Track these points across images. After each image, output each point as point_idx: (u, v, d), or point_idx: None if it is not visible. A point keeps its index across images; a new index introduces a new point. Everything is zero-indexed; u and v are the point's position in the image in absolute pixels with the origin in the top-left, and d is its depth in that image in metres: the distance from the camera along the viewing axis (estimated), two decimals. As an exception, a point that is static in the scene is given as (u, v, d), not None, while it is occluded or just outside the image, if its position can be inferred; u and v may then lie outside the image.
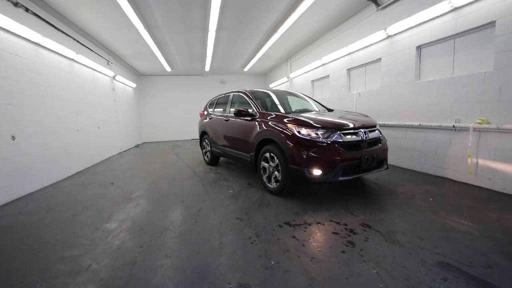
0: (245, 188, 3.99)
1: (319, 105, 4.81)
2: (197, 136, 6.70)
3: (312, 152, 3.03)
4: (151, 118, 12.63)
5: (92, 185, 4.51)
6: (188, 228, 2.62)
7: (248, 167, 5.43)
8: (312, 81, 8.53)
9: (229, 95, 5.23)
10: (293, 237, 2.37)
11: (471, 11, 3.53)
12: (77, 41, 5.93)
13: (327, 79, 7.57)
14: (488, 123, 3.41)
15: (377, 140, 3.50)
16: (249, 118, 4.12)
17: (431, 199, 3.20)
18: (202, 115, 6.49)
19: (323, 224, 2.61)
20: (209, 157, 5.88)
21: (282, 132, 3.32)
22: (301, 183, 3.27)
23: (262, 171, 3.78)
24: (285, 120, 3.43)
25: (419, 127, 4.48)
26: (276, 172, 3.48)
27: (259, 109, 4.04)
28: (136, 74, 11.87)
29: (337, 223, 2.63)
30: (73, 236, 2.55)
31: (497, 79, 3.28)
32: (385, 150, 3.54)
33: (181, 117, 12.96)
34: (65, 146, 5.25)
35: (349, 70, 6.51)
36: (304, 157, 3.04)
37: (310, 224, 2.62)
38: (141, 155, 8.18)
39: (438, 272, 1.79)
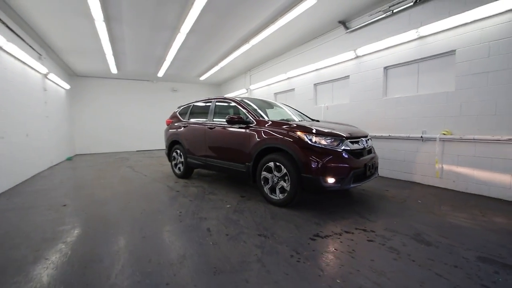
0: (242, 201, 3.66)
1: (303, 115, 4.90)
2: (145, 148, 5.93)
3: (326, 160, 2.99)
4: (86, 126, 10.75)
5: (37, 209, 3.41)
6: (211, 255, 2.18)
7: (236, 178, 5.14)
8: (276, 93, 8.75)
9: (210, 102, 4.85)
10: (335, 249, 2.22)
11: (435, 40, 4.22)
12: (5, 24, 4.62)
13: (292, 92, 7.88)
14: (451, 134, 4.05)
15: (371, 149, 3.73)
16: (243, 126, 3.87)
17: (419, 201, 3.54)
18: (169, 123, 5.83)
19: (352, 233, 2.55)
20: (181, 169, 5.25)
21: (292, 140, 3.20)
22: (314, 193, 3.18)
23: (263, 182, 3.55)
24: (293, 127, 3.32)
25: (389, 138, 5.02)
26: (282, 183, 3.30)
27: (255, 117, 3.83)
28: (70, 74, 10.03)
29: (364, 230, 2.61)
30: None
31: (458, 98, 3.96)
32: (377, 158, 3.79)
33: (125, 127, 11.46)
34: (-15, 159, 3.89)
35: (316, 85, 6.93)
36: (319, 165, 2.98)
37: (340, 234, 2.53)
38: (82, 169, 6.76)
39: (486, 267, 1.92)
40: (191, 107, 5.37)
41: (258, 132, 3.63)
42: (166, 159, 8.43)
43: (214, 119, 4.58)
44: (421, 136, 4.43)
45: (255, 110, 4.08)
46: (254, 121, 3.78)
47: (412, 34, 4.42)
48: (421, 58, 4.46)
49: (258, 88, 9.72)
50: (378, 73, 5.18)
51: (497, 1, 3.40)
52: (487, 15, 3.55)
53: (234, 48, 7.25)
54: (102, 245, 2.36)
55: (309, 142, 3.10)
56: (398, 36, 4.65)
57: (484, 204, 3.36)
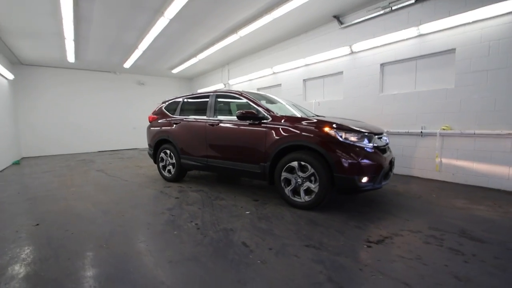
0: (259, 206, 3.29)
1: (307, 111, 4.68)
2: (108, 148, 5.24)
3: (361, 158, 2.81)
4: (36, 124, 9.10)
5: (1, 234, 2.59)
6: (271, 278, 1.80)
7: (233, 178, 4.70)
8: (259, 88, 8.43)
9: (207, 96, 4.32)
10: (401, 256, 2.03)
11: (434, 38, 4.34)
12: None
13: (279, 87, 7.66)
14: (451, 129, 4.22)
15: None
16: (254, 123, 3.49)
17: (434, 196, 3.60)
18: (153, 119, 5.13)
19: (402, 235, 2.40)
20: (172, 172, 4.63)
21: (321, 137, 2.94)
22: (346, 193, 2.97)
23: (283, 184, 3.23)
24: (319, 123, 3.06)
25: (387, 133, 5.08)
26: (308, 184, 3.03)
27: (270, 112, 3.48)
28: (13, 62, 8.32)
29: (411, 231, 2.48)
30: None
31: (458, 95, 4.13)
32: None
33: (82, 125, 10.02)
34: None
35: (305, 80, 6.80)
36: (354, 163, 2.77)
37: (391, 238, 2.35)
38: (39, 175, 5.59)
39: (554, 263, 1.90)
40: (181, 102, 4.76)
41: (276, 129, 3.29)
42: (140, 160, 7.58)
43: (216, 115, 4.09)
44: (421, 132, 4.56)
45: (267, 104, 3.72)
46: (269, 116, 3.43)
47: (412, 31, 4.50)
48: (420, 56, 4.57)
49: (239, 83, 9.29)
50: (375, 70, 5.22)
51: (498, 3, 3.58)
52: (488, 16, 3.73)
53: (220, 38, 6.72)
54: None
55: (340, 139, 2.88)
56: (396, 33, 4.70)
57: (492, 195, 3.54)
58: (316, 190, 2.97)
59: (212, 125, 3.97)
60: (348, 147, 2.84)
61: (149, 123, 5.25)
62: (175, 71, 10.36)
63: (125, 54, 7.98)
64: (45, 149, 9.30)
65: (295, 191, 3.16)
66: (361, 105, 5.48)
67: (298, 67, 6.84)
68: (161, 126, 4.83)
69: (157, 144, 4.90)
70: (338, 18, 5.62)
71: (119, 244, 2.32)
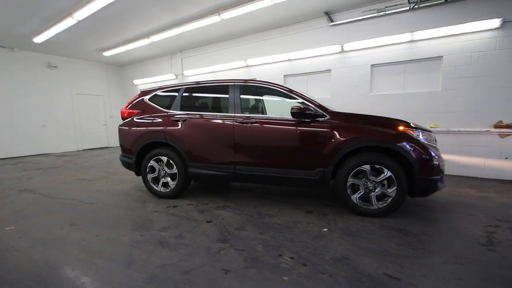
0: (323, 219, 2.79)
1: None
2: (7, 155, 3.90)
3: (438, 158, 2.73)
4: None
5: None
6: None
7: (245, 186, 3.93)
8: (226, 83, 7.60)
9: (226, 87, 3.40)
10: (536, 257, 2.01)
11: (423, 45, 4.82)
12: None
13: (252, 82, 7.08)
14: (438, 127, 4.81)
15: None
16: (307, 121, 2.96)
17: (447, 187, 3.97)
18: (130, 115, 3.75)
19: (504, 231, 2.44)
20: (172, 185, 3.47)
21: (403, 137, 2.70)
22: (421, 196, 2.82)
23: (349, 191, 2.84)
24: (392, 122, 2.81)
25: (376, 131, 5.40)
26: (381, 189, 2.75)
27: (325, 109, 3.01)
28: None
29: (497, 226, 2.56)
30: None
31: (443, 97, 4.72)
32: None
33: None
34: None
35: (286, 76, 6.52)
36: (435, 164, 2.67)
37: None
38: None
39: None
40: (180, 93, 3.61)
41: (340, 128, 2.86)
42: (77, 170, 5.57)
43: (243, 111, 3.26)
44: (411, 129, 5.02)
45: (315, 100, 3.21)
46: (327, 114, 2.96)
47: (404, 37, 4.86)
48: (409, 60, 5.01)
49: (199, 75, 8.15)
50: (365, 70, 5.43)
51: (480, 21, 4.24)
52: (471, 31, 4.37)
53: (196, 18, 5.61)
54: None
55: (418, 139, 2.73)
56: (389, 37, 5.00)
57: (481, 183, 4.19)
58: (392, 195, 2.72)
59: (245, 123, 3.15)
60: (427, 148, 2.71)
61: (123, 120, 3.81)
62: (108, 53, 8.17)
63: (45, 22, 5.65)
64: None
65: (365, 198, 2.83)
66: (350, 104, 5.63)
67: (279, 62, 6.48)
68: (150, 125, 3.55)
69: (143, 150, 3.59)
70: (328, 14, 5.57)
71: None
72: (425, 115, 4.91)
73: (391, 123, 2.81)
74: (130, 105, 3.83)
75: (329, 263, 1.95)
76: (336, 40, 5.61)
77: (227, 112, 3.29)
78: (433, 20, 4.66)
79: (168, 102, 3.64)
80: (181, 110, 3.52)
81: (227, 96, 3.36)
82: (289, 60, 6.34)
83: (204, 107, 3.64)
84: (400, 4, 4.82)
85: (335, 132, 2.86)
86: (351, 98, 5.61)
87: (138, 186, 4.26)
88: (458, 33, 4.48)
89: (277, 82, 3.39)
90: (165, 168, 3.50)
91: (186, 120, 3.39)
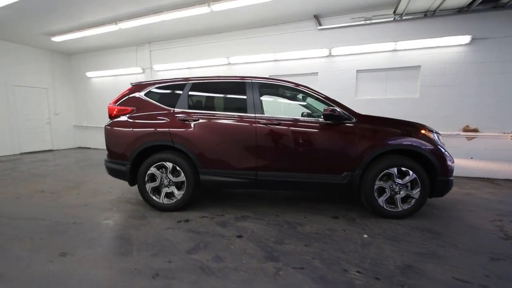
0: (354, 224, 2.74)
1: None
2: None
3: (452, 159, 2.93)
4: None
5: None
6: None
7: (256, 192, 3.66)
8: (203, 80, 7.10)
9: (243, 84, 3.09)
10: (553, 247, 2.27)
11: (404, 55, 5.23)
12: None
13: (234, 81, 6.77)
14: (416, 130, 5.27)
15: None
16: (335, 123, 2.88)
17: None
18: (121, 113, 3.14)
19: None
20: (178, 196, 3.00)
21: (425, 140, 2.82)
22: (438, 196, 2.96)
23: (376, 194, 2.85)
24: (411, 125, 2.96)
25: (361, 134, 5.68)
26: (405, 191, 2.82)
27: (351, 111, 2.97)
28: None
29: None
30: None
31: (421, 103, 5.21)
32: None
33: None
34: None
35: (271, 76, 6.39)
36: (451, 165, 2.86)
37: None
38: None
39: None
40: (188, 90, 3.13)
41: (367, 131, 2.86)
42: (23, 181, 4.42)
43: (263, 112, 3.00)
44: (393, 132, 5.41)
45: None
46: (354, 117, 2.92)
47: (389, 45, 5.21)
48: (391, 68, 5.39)
49: (170, 70, 7.43)
50: (351, 75, 5.66)
51: (452, 36, 4.79)
52: (445, 45, 4.90)
53: (181, 6, 5.05)
54: None
55: (436, 141, 2.89)
56: (374, 45, 5.30)
57: (456, 181, 4.71)
58: (416, 196, 2.82)
59: (269, 124, 2.89)
60: (443, 149, 2.88)
61: (111, 120, 3.15)
62: (58, 39, 6.85)
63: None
64: None
65: (391, 200, 2.88)
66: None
67: (265, 61, 6.32)
68: (151, 126, 3.01)
69: (140, 155, 3.02)
70: (317, 18, 5.64)
71: None
72: (404, 118, 5.33)
73: (414, 126, 2.93)
74: (120, 101, 3.19)
75: (398, 273, 1.88)
76: (324, 44, 5.72)
77: (246, 112, 2.99)
78: (414, 32, 5.09)
79: (171, 98, 3.15)
80: (189, 109, 3.08)
81: (244, 94, 3.06)
82: (276, 60, 6.23)
83: (217, 106, 3.25)
84: (386, 15, 5.14)
85: (364, 135, 2.84)
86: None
87: (123, 197, 3.61)
88: (434, 45, 4.98)
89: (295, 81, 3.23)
90: (170, 176, 3.00)
91: (197, 120, 2.97)
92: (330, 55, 5.73)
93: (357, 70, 5.61)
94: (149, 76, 7.76)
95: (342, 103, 3.04)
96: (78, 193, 3.78)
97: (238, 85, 3.12)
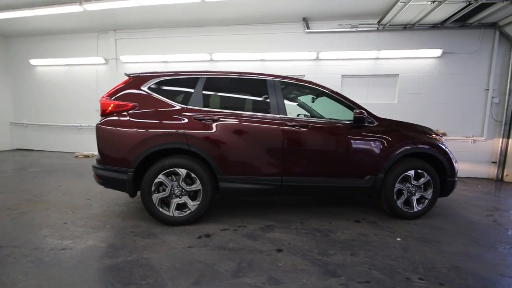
0: (378, 228, 2.75)
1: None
2: None
3: (456, 160, 3.17)
4: None
5: None
6: None
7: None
8: (181, 76, 6.54)
9: (264, 82, 2.86)
10: (547, 238, 2.61)
11: (384, 63, 5.61)
12: None
13: (216, 79, 6.39)
14: (395, 134, 5.70)
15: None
16: (357, 126, 2.88)
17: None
18: (119, 108, 2.62)
19: None
20: (193, 207, 2.60)
21: (435, 142, 2.99)
22: (445, 196, 3.16)
23: (395, 196, 2.92)
24: (421, 128, 3.18)
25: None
26: (421, 192, 2.96)
27: (374, 115, 3.00)
28: None
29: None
30: None
31: (399, 108, 5.65)
32: None
33: None
34: None
35: (257, 76, 6.21)
36: (456, 167, 3.10)
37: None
38: None
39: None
40: (201, 86, 2.74)
41: (389, 135, 2.94)
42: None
43: (286, 113, 2.81)
44: (375, 135, 5.76)
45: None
46: (375, 120, 2.95)
47: (372, 53, 5.53)
48: (373, 75, 5.73)
49: (140, 63, 6.64)
50: (337, 79, 5.85)
51: (428, 49, 5.32)
52: (419, 56, 5.42)
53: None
54: None
55: (444, 143, 3.10)
56: (359, 52, 5.57)
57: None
58: (429, 197, 2.98)
59: (296, 126, 2.71)
60: (448, 151, 3.10)
61: (104, 118, 2.57)
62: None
63: None
64: None
65: (407, 202, 2.98)
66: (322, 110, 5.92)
67: (251, 61, 6.11)
68: (160, 126, 2.54)
69: (146, 160, 2.53)
70: (306, 21, 5.67)
71: None
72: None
73: (428, 130, 3.09)
74: (117, 94, 2.63)
75: (456, 277, 1.90)
76: (311, 47, 5.78)
77: (269, 113, 2.76)
78: (394, 42, 5.50)
79: (182, 94, 2.73)
80: (204, 107, 2.70)
81: (266, 93, 2.83)
82: (262, 60, 6.07)
83: (237, 105, 2.95)
84: (371, 24, 5.45)
85: (386, 139, 2.89)
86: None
87: (110, 211, 3.01)
88: (412, 56, 5.46)
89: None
90: (182, 184, 2.59)
91: (217, 120, 2.62)
92: (317, 59, 5.83)
93: (342, 75, 5.82)
94: (113, 68, 6.81)
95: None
96: (47, 208, 3.01)
97: (259, 82, 2.87)
